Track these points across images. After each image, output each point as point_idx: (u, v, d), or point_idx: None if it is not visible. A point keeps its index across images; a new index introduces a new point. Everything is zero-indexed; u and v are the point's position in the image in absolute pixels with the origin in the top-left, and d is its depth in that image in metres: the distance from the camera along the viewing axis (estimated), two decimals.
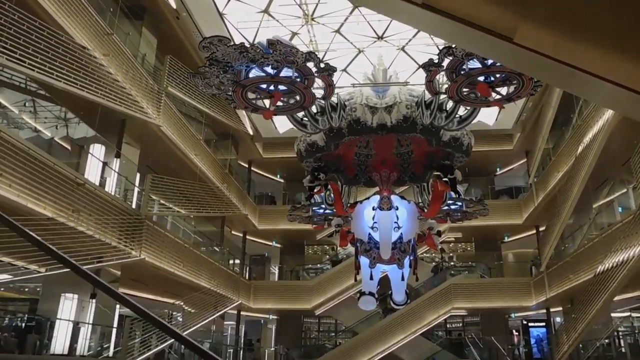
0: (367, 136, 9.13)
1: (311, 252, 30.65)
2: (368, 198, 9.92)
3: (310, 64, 7.35)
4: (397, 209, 9.52)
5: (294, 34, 18.82)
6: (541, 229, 24.68)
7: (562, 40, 2.35)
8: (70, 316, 13.05)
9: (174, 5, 16.30)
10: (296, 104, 8.32)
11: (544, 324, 26.70)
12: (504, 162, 27.21)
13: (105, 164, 14.04)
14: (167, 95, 16.40)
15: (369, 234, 9.60)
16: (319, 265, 28.80)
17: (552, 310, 24.21)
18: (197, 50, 18.24)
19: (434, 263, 27.09)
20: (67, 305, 13.12)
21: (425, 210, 10.40)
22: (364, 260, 9.81)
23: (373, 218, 9.53)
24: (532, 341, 26.74)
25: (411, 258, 9.87)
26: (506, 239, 27.34)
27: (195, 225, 23.17)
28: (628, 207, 19.37)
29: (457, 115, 8.71)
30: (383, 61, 11.62)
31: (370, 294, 10.06)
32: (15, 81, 14.69)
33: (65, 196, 11.40)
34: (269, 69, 7.57)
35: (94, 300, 13.75)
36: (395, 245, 9.29)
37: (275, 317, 27.89)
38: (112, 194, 14.07)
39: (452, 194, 10.33)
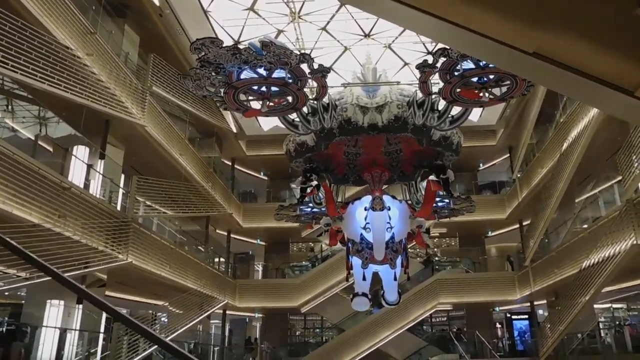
0: (357, 135, 9.07)
1: (296, 250, 30.53)
2: (360, 198, 9.84)
3: (304, 65, 7.26)
4: (389, 209, 9.46)
5: (280, 31, 18.61)
6: (524, 223, 24.97)
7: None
8: (56, 323, 12.74)
9: (157, 3, 15.95)
10: (288, 105, 8.22)
11: (527, 316, 27.08)
12: (487, 157, 27.42)
13: (90, 166, 13.71)
14: (151, 94, 16.08)
15: (361, 234, 9.54)
16: (304, 262, 28.68)
17: (535, 303, 24.54)
18: (181, 48, 18.03)
19: (418, 258, 27.20)
20: (53, 312, 12.79)
21: (417, 210, 10.43)
22: (356, 261, 9.75)
23: (365, 218, 9.46)
24: (515, 334, 27.05)
25: (403, 257, 9.86)
26: (490, 234, 27.58)
27: (180, 225, 22.90)
28: (610, 202, 19.73)
29: (449, 116, 8.70)
30: (371, 59, 11.56)
31: (364, 294, 10.00)
32: None
33: (50, 201, 11.09)
34: (261, 71, 7.45)
35: (80, 306, 13.46)
36: (388, 245, 9.24)
37: (260, 315, 27.74)
38: (97, 196, 13.76)
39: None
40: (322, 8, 17.33)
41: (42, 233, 10.66)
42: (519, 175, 24.05)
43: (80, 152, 13.92)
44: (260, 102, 8.27)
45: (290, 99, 8.11)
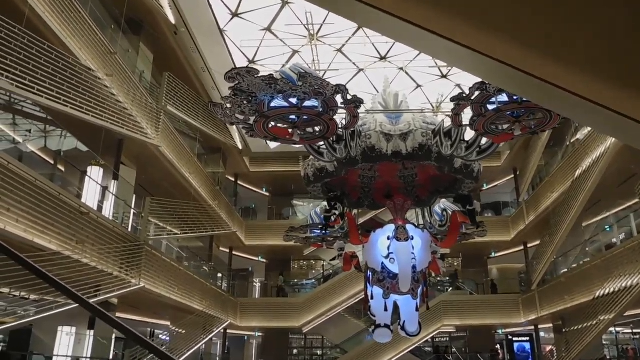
0: (379, 162, 8.94)
1: (297, 268, 30.22)
2: (382, 226, 9.66)
3: (338, 96, 7.13)
4: (412, 238, 9.29)
5: (295, 52, 18.46)
6: (529, 245, 24.93)
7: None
8: (68, 351, 12.33)
9: (172, 21, 15.71)
10: (318, 134, 8.05)
11: (527, 338, 27.00)
12: (491, 178, 27.40)
13: (105, 188, 13.37)
14: (165, 113, 15.80)
15: (382, 263, 9.34)
16: (305, 281, 28.39)
17: (540, 326, 24.45)
18: (193, 66, 17.79)
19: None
20: (65, 340, 12.39)
21: (439, 239, 10.28)
22: (377, 291, 9.54)
23: (388, 248, 9.25)
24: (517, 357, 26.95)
25: (423, 288, 9.69)
26: (493, 255, 27.50)
27: (183, 242, 22.52)
28: (622, 227, 19.78)
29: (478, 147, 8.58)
30: (389, 83, 11.42)
31: (386, 326, 9.79)
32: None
33: (69, 227, 10.77)
34: (293, 100, 7.30)
35: (91, 332, 13.07)
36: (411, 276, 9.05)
37: (260, 334, 27.34)
38: (110, 218, 13.43)
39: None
40: (339, 30, 17.19)
41: (57, 259, 10.32)
42: (525, 198, 24.01)
43: (94, 173, 13.56)
44: (290, 130, 8.09)
45: (319, 127, 7.95)
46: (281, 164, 26.30)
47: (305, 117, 7.85)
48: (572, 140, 19.80)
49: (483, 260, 27.69)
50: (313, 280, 28.54)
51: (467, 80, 19.59)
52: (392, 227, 9.41)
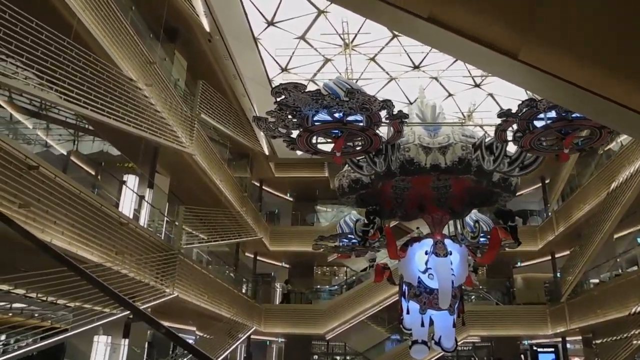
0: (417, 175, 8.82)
1: (320, 274, 30.13)
2: (419, 240, 9.54)
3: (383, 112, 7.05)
4: (450, 253, 9.16)
5: (328, 60, 18.38)
6: (557, 255, 24.59)
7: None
8: None
9: (207, 28, 15.70)
10: (360, 148, 7.97)
11: (552, 349, 26.64)
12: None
13: (142, 197, 13.38)
14: (198, 121, 15.80)
15: (419, 277, 9.21)
16: (327, 287, 28.27)
17: (568, 338, 24.09)
18: (225, 73, 17.78)
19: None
20: (101, 349, 12.40)
21: (478, 255, 10.15)
22: (414, 306, 9.42)
23: (426, 263, 9.13)
24: None
25: (459, 303, 9.56)
26: (519, 264, 27.17)
27: (211, 248, 22.53)
28: None
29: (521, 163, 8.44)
30: (424, 94, 11.28)
31: (423, 342, 9.65)
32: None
33: (110, 237, 10.78)
34: (337, 114, 7.22)
35: (126, 341, 13.07)
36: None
37: (283, 339, 27.29)
38: (145, 227, 13.43)
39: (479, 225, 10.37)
40: (374, 39, 17.09)
41: (97, 270, 10.32)
42: (555, 208, 23.67)
43: (130, 181, 13.57)
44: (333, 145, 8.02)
45: (360, 141, 7.86)
46: (306, 170, 26.26)
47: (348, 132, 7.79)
48: (606, 149, 19.44)
49: (509, 269, 27.36)
50: (336, 287, 28.39)
51: (500, 89, 19.41)
52: (430, 241, 9.29)
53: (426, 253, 9.14)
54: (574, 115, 6.98)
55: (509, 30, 1.80)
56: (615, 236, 20.46)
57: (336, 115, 7.39)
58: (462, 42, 1.74)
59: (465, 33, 1.72)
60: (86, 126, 13.71)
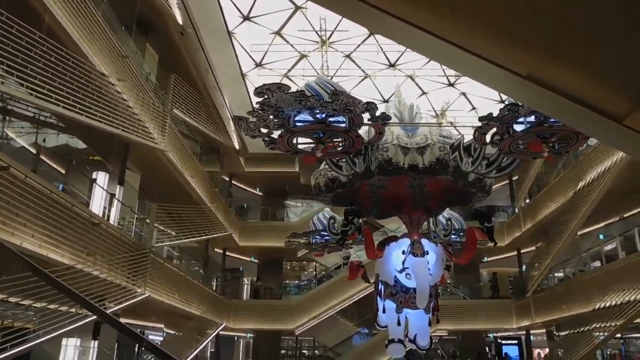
0: (395, 175, 8.84)
1: (289, 269, 30.02)
2: (396, 240, 9.56)
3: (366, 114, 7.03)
4: (427, 253, 9.21)
5: (303, 56, 18.17)
6: (523, 250, 25.14)
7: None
8: None
9: (180, 21, 15.28)
10: (342, 148, 7.92)
11: (516, 342, 27.34)
12: None
13: (112, 195, 12.97)
14: (170, 116, 15.41)
15: (395, 277, 9.24)
16: (297, 282, 28.21)
17: (532, 331, 24.71)
18: (197, 67, 17.39)
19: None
20: (69, 352, 12.01)
21: (452, 255, 10.24)
22: (390, 305, 9.45)
23: (403, 263, 9.15)
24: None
25: (434, 302, 9.64)
26: (485, 260, 27.66)
27: (180, 245, 22.15)
28: (610, 235, 20.06)
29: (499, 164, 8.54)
30: (401, 92, 11.27)
31: (400, 341, 9.70)
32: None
33: (80, 238, 10.41)
34: (320, 115, 7.15)
35: (96, 342, 12.71)
36: None
37: (251, 335, 27.12)
38: (116, 226, 13.04)
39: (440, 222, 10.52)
40: (350, 37, 16.95)
41: (65, 272, 9.94)
42: (522, 205, 24.16)
43: (101, 179, 13.14)
44: (313, 146, 7.94)
45: (341, 142, 7.80)
46: (277, 165, 26.03)
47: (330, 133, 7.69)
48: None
49: (475, 264, 27.82)
50: (305, 282, 28.37)
51: (473, 89, 19.60)
52: (407, 241, 9.28)
53: (403, 253, 9.14)
54: (551, 120, 7.09)
55: (620, 94, 1.71)
56: (579, 233, 21.03)
57: (318, 116, 7.30)
58: (562, 102, 1.65)
59: (568, 94, 1.63)
60: (56, 122, 13.16)
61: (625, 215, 19.25)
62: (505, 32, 1.75)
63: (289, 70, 19.12)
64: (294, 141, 7.96)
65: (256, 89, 7.10)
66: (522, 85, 1.78)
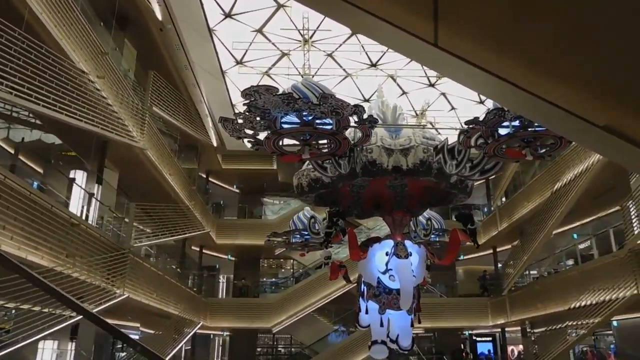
0: (379, 176, 8.85)
1: (266, 266, 29.85)
2: (379, 241, 9.57)
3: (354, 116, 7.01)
4: (410, 254, 9.24)
5: (284, 54, 18.02)
6: (499, 249, 25.46)
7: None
8: None
9: (159, 17, 14.99)
10: (329, 150, 7.89)
11: (490, 339, 27.70)
12: None
13: (91, 195, 12.67)
14: (149, 113, 15.11)
15: (378, 278, 9.25)
16: (275, 280, 28.09)
17: (507, 329, 25.07)
18: (176, 63, 17.11)
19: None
20: (47, 355, 11.71)
21: (434, 255, 10.30)
22: (373, 306, 9.46)
23: (387, 264, 9.16)
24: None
25: (415, 302, 9.69)
26: (461, 258, 27.93)
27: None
28: (584, 234, 20.49)
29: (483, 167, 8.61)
30: (383, 93, 11.28)
31: (382, 342, 9.72)
32: None
33: (59, 240, 10.14)
34: (307, 117, 7.10)
35: (73, 344, 12.42)
36: None
37: (228, 333, 26.91)
38: (94, 226, 12.75)
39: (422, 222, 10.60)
40: (333, 36, 16.87)
41: (47, 275, 9.68)
42: (499, 205, 24.45)
43: (79, 177, 12.82)
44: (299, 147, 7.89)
45: (328, 144, 7.77)
46: (254, 162, 25.84)
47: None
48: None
49: (452, 262, 28.02)
50: (283, 280, 28.27)
51: (453, 89, 19.72)
52: (390, 242, 9.26)
53: (387, 254, 9.12)
54: (536, 125, 7.15)
55: None
56: (554, 232, 21.40)
57: (305, 118, 7.22)
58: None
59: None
60: (33, 119, 12.79)
61: (600, 215, 19.64)
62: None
63: (270, 69, 18.96)
64: (280, 143, 7.90)
65: (243, 90, 7.00)
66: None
